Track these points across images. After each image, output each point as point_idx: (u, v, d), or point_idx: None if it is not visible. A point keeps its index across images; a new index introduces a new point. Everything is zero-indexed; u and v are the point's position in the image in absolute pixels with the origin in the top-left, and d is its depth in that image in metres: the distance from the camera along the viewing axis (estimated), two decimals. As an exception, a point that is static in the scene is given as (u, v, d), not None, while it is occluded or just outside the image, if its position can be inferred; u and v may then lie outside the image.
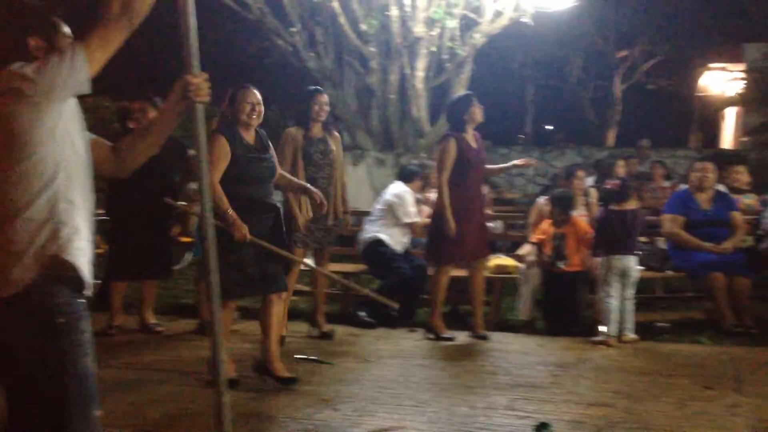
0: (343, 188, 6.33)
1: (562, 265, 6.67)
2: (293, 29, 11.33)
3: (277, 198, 5.19)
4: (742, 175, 8.11)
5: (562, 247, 6.69)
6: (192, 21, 2.67)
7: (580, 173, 7.54)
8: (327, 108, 6.13)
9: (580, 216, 7.01)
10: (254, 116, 4.87)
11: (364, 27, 10.75)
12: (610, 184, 6.78)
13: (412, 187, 7.29)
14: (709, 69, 19.68)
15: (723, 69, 18.67)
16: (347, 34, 10.87)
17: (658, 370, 5.47)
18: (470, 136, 6.35)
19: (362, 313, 6.79)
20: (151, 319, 6.54)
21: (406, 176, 7.42)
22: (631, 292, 6.34)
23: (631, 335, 6.29)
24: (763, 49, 14.59)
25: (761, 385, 5.08)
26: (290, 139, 6.01)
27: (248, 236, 4.67)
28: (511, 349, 6.13)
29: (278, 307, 4.98)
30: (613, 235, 6.34)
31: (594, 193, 7.71)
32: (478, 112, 6.31)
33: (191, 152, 5.87)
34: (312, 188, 5.35)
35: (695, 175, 7.19)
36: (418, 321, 6.81)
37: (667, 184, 9.91)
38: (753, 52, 15.74)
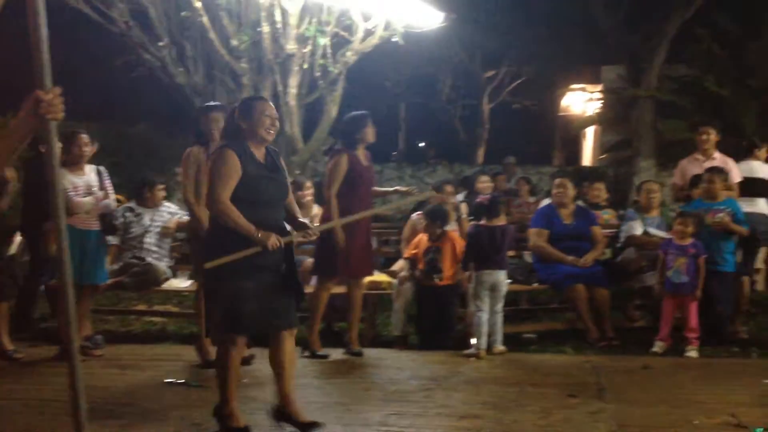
0: None
1: (437, 279, 6.78)
2: (161, 43, 11.05)
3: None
4: (600, 191, 8.51)
5: (437, 261, 6.80)
6: (43, 33, 2.54)
7: (449, 188, 7.70)
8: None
9: (452, 231, 7.15)
10: (272, 131, 4.38)
11: (235, 43, 10.62)
12: (480, 199, 6.96)
13: None
14: (571, 90, 20.63)
15: (583, 90, 19.62)
16: (218, 49, 10.71)
17: (525, 381, 5.64)
18: (361, 154, 6.36)
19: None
20: (9, 346, 6.17)
21: None
22: (500, 306, 6.52)
23: (500, 347, 6.46)
24: (619, 72, 15.42)
25: (621, 391, 5.32)
26: (192, 159, 5.83)
27: (280, 240, 4.22)
28: (385, 365, 6.16)
29: (291, 344, 4.42)
30: (483, 250, 6.51)
31: (464, 209, 7.90)
32: (371, 133, 6.32)
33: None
34: (308, 225, 4.65)
35: (555, 191, 7.51)
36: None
37: (532, 199, 10.28)
38: (609, 74, 16.62)
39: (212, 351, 5.94)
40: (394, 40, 10.72)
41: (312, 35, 10.43)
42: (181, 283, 7.15)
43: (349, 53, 10.88)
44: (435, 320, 6.79)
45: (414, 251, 6.94)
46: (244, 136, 4.33)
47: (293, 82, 10.78)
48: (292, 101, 10.84)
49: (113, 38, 11.60)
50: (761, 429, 4.39)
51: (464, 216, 7.62)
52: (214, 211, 4.26)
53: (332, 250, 6.16)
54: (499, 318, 6.50)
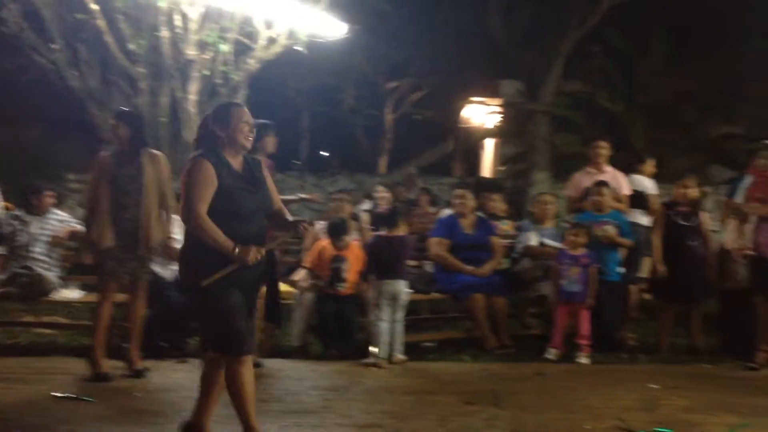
0: (167, 212, 5.98)
1: (340, 288, 6.79)
2: (54, 46, 10.67)
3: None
4: (497, 202, 8.69)
5: (342, 270, 6.81)
6: None
7: (345, 197, 7.72)
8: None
9: (354, 240, 7.18)
10: (251, 138, 4.16)
11: (132, 47, 10.36)
12: (380, 209, 7.00)
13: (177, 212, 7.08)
14: (471, 102, 21.02)
15: (482, 103, 20.02)
16: (114, 53, 10.42)
17: (424, 389, 5.70)
18: (263, 163, 6.27)
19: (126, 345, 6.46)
20: None
21: None
22: (401, 315, 6.57)
23: (400, 356, 6.51)
24: (517, 86, 15.81)
25: (516, 397, 5.45)
26: (98, 164, 5.67)
27: (261, 251, 4.02)
28: (284, 375, 6.11)
29: (251, 370, 4.18)
30: (383, 261, 6.55)
31: (365, 218, 7.93)
32: (271, 143, 6.23)
33: None
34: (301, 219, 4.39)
35: (456, 201, 7.63)
36: (188, 351, 6.59)
37: (432, 209, 10.39)
38: (508, 88, 17.02)
39: (105, 364, 5.80)
40: (297, 49, 10.69)
41: (213, 41, 10.28)
42: (72, 294, 6.90)
43: (251, 61, 10.78)
44: (336, 330, 6.78)
45: (316, 261, 6.92)
46: (220, 144, 4.09)
47: (193, 88, 10.59)
48: (192, 108, 10.65)
49: (5, 40, 11.13)
50: (647, 432, 4.57)
51: (365, 225, 7.65)
52: (189, 226, 4.00)
53: (191, 260, 6.10)
54: (400, 327, 6.55)
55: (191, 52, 10.24)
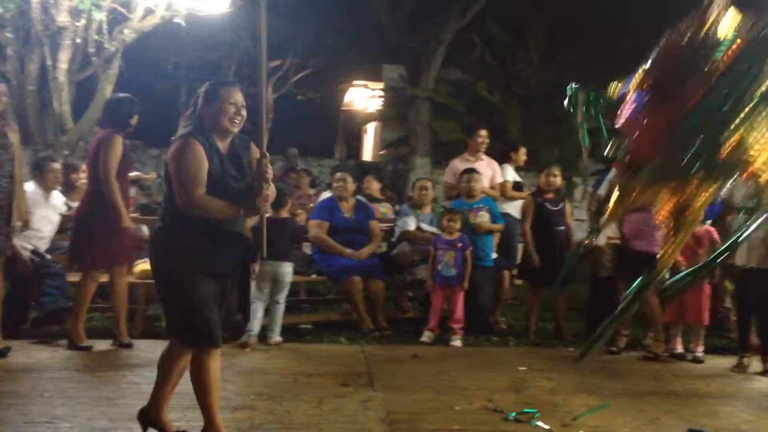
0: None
1: None
2: None
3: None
4: (371, 182, 8.75)
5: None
6: None
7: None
8: (5, 99, 5.65)
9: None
10: (237, 121, 3.88)
11: (-1, 10, 9.76)
12: None
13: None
14: (354, 85, 21.06)
15: (365, 86, 20.09)
16: (-22, 15, 9.80)
17: (300, 371, 5.69)
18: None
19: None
20: None
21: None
22: (282, 297, 6.55)
23: (277, 338, 6.48)
24: (399, 71, 15.96)
25: (391, 379, 5.52)
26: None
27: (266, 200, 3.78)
28: (156, 357, 5.92)
29: (219, 362, 3.97)
30: (268, 241, 6.49)
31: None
32: (136, 118, 6.15)
33: None
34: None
35: (335, 184, 7.64)
36: (53, 331, 6.34)
37: (312, 191, 10.38)
38: (391, 73, 17.15)
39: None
40: (176, 21, 10.36)
41: (87, 9, 9.81)
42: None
43: (126, 31, 10.36)
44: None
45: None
46: (206, 125, 3.83)
47: (64, 56, 10.08)
48: (62, 77, 10.15)
49: None
50: (514, 413, 4.74)
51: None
52: (189, 213, 3.71)
53: (90, 239, 5.92)
54: (280, 309, 6.53)
55: (63, 18, 9.74)
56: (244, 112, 3.93)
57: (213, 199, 3.71)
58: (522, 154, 8.56)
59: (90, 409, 4.53)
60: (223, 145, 3.86)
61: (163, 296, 3.95)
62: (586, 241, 4.82)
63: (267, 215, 6.54)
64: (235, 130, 3.90)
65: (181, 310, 3.82)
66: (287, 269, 6.59)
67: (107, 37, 10.29)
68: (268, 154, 3.86)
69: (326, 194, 8.43)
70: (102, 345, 6.14)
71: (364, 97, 20.19)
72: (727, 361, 6.38)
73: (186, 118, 4.01)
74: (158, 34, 11.49)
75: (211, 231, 3.77)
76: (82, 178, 7.09)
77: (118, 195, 5.90)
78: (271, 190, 3.86)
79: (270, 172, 3.81)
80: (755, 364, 6.19)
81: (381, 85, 17.65)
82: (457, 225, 7.01)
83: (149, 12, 10.25)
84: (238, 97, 3.92)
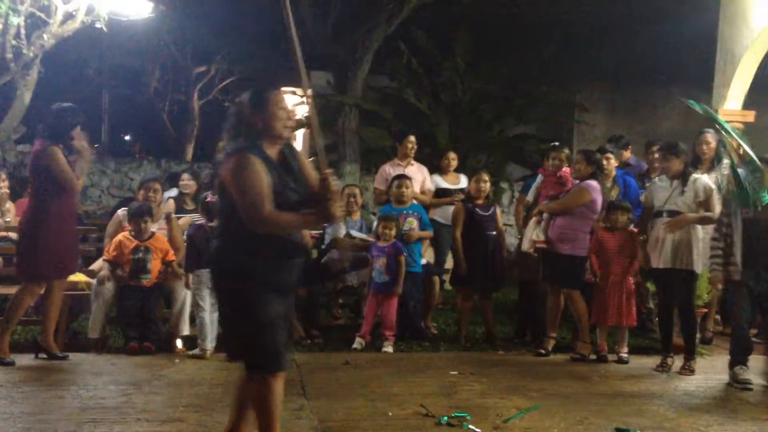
0: None
1: (144, 280, 6.56)
2: None
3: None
4: None
5: (146, 261, 6.57)
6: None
7: (156, 185, 7.43)
8: None
9: (160, 229, 6.95)
10: (290, 125, 3.71)
11: None
12: (210, 197, 6.82)
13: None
14: (282, 92, 20.97)
15: (293, 93, 20.02)
16: None
17: (230, 381, 5.60)
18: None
19: None
20: None
21: None
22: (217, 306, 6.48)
23: (210, 347, 6.43)
24: (328, 78, 15.94)
25: (323, 387, 5.50)
26: None
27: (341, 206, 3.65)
28: (81, 370, 5.82)
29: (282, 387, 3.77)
30: (206, 249, 6.42)
31: (172, 206, 7.72)
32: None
33: None
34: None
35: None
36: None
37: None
38: (319, 79, 17.12)
39: None
40: (97, 26, 10.13)
41: (3, 13, 9.51)
42: None
43: (46, 36, 10.08)
44: (138, 322, 6.53)
45: (115, 252, 6.63)
46: (257, 134, 3.61)
47: (-20, 62, 9.76)
48: (-22, 83, 9.82)
49: None
50: (446, 417, 4.77)
51: (173, 214, 7.41)
52: (262, 231, 3.51)
53: (35, 251, 5.81)
54: (215, 316, 6.46)
55: (-21, 22, 9.43)
56: (294, 117, 3.78)
57: (283, 213, 3.54)
58: (452, 160, 8.58)
59: (12, 425, 4.37)
60: (273, 153, 3.66)
61: (229, 318, 3.75)
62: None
63: (200, 222, 6.50)
64: (288, 135, 3.73)
65: (250, 331, 3.59)
66: None
67: (26, 43, 10.00)
68: (330, 169, 3.71)
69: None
70: (24, 360, 5.94)
71: (292, 104, 20.06)
72: (651, 361, 6.56)
73: (228, 131, 3.72)
74: (79, 39, 11.22)
75: (275, 245, 3.60)
76: (2, 187, 6.88)
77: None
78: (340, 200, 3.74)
79: (336, 184, 3.67)
80: (677, 363, 6.38)
81: (309, 91, 17.57)
82: (392, 232, 7.03)
83: (69, 17, 10.01)
84: (286, 102, 3.76)
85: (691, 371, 6.28)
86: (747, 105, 9.88)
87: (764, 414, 5.21)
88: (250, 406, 3.74)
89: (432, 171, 8.45)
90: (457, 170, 8.64)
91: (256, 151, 3.56)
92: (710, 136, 7.50)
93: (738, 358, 6.05)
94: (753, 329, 6.62)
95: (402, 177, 7.61)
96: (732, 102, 9.82)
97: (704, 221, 6.38)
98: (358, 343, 6.85)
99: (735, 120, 9.79)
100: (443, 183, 8.42)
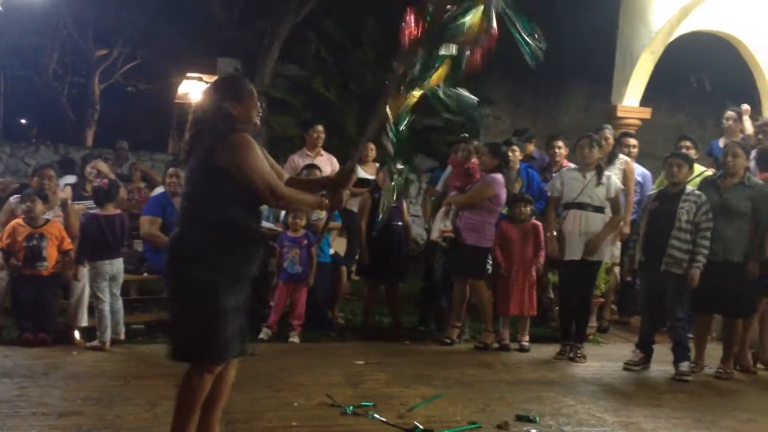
0: None
1: (41, 269, 6.34)
2: None
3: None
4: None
5: (41, 249, 6.34)
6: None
7: (50, 172, 7.14)
8: None
9: (56, 217, 6.72)
10: (259, 117, 3.70)
11: None
12: (98, 183, 6.61)
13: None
14: (188, 78, 20.52)
15: (200, 79, 19.63)
16: None
17: (131, 373, 5.50)
18: None
19: None
20: None
21: None
22: (118, 294, 6.39)
23: (122, 336, 6.39)
24: (235, 65, 15.70)
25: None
26: None
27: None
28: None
29: (234, 370, 3.78)
30: (102, 240, 6.26)
31: (68, 192, 7.49)
32: None
33: None
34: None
35: (168, 180, 7.40)
36: None
37: (143, 185, 10.01)
38: (226, 66, 16.86)
39: None
40: (-7, 3, 9.69)
41: None
42: None
43: (-64, 12, 9.58)
44: (33, 313, 6.30)
45: (8, 240, 6.37)
46: (235, 123, 3.55)
47: None
48: None
49: None
50: (352, 407, 4.79)
51: (70, 201, 7.17)
52: (279, 207, 3.40)
53: None
54: (121, 304, 6.42)
55: None
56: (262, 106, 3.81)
57: (298, 191, 3.65)
58: (370, 150, 8.56)
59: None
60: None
61: (180, 308, 3.62)
62: None
63: (94, 211, 6.31)
64: (259, 125, 3.74)
65: (201, 321, 3.50)
66: (122, 266, 6.43)
67: None
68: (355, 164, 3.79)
69: (159, 190, 8.15)
70: None
71: (199, 90, 19.72)
72: (551, 349, 6.75)
73: (196, 122, 3.64)
74: (-28, 17, 10.69)
75: (240, 236, 3.56)
76: None
77: None
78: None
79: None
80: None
81: (216, 77, 17.31)
82: (302, 222, 6.99)
83: (-39, -8, 9.53)
84: (255, 91, 3.78)
85: (583, 357, 6.49)
86: (644, 102, 10.27)
87: (656, 399, 5.44)
88: (214, 397, 3.71)
89: (343, 161, 8.41)
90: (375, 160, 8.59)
91: (246, 130, 3.57)
92: (608, 132, 7.77)
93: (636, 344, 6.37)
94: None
95: (311, 167, 7.55)
96: (630, 99, 10.19)
97: (616, 227, 6.68)
98: (264, 333, 6.79)
99: (632, 116, 10.19)
100: (362, 173, 8.36)
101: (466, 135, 8.08)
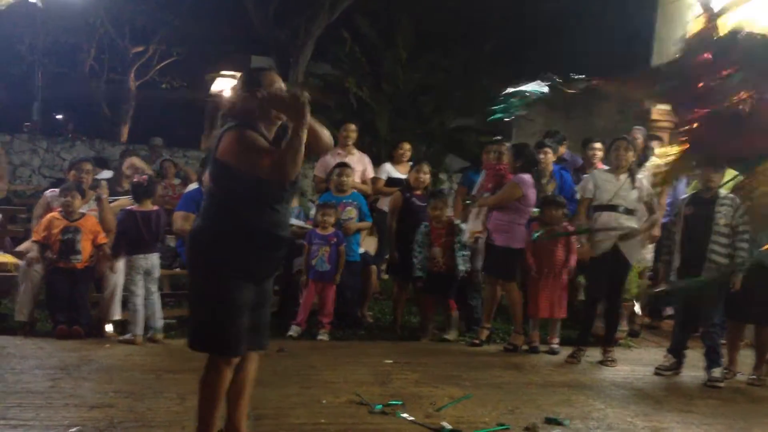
0: None
1: (74, 262, 6.42)
2: None
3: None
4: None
5: (75, 242, 6.43)
6: None
7: (87, 165, 7.24)
8: None
9: (91, 211, 6.82)
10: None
11: None
12: (137, 179, 6.68)
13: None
14: (221, 75, 20.66)
15: (233, 77, 19.75)
16: None
17: (161, 367, 5.54)
18: None
19: None
20: None
21: None
22: (155, 289, 6.45)
23: (159, 334, 6.41)
24: (268, 63, 15.81)
25: (258, 375, 5.43)
26: None
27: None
28: (7, 354, 5.66)
29: (256, 364, 3.84)
30: (138, 235, 6.33)
31: (104, 186, 7.59)
32: None
33: None
34: None
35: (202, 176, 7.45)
36: None
37: (177, 182, 10.12)
38: (259, 63, 16.99)
39: None
40: (32, 0, 9.83)
41: (-68, -18, 9.15)
42: None
43: (-22, 9, 9.74)
44: (67, 306, 6.39)
45: (44, 233, 6.46)
46: (253, 115, 3.55)
47: None
48: None
49: None
50: (380, 405, 4.79)
51: (105, 196, 7.26)
52: (279, 177, 3.44)
53: None
54: (158, 300, 6.43)
55: None
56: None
57: (280, 150, 3.45)
58: (406, 150, 8.55)
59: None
60: (271, 135, 3.63)
61: (195, 298, 3.72)
62: None
63: (130, 207, 6.38)
64: (283, 117, 3.60)
65: (211, 312, 3.57)
66: (157, 261, 6.49)
67: (-47, 14, 9.65)
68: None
69: (194, 186, 8.22)
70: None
71: (232, 88, 19.85)
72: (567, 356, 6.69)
73: (223, 116, 3.68)
74: (13, 15, 10.86)
75: (257, 232, 3.56)
76: None
77: None
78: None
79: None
80: (597, 356, 6.53)
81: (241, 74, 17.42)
82: (332, 219, 7.01)
83: (2, -10, 9.68)
84: (281, 82, 3.67)
85: (613, 361, 6.42)
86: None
87: (687, 405, 5.38)
88: (238, 392, 3.75)
89: (375, 160, 8.43)
90: (410, 160, 8.58)
91: (249, 127, 3.52)
92: (639, 133, 7.69)
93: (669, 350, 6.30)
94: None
95: (342, 165, 7.57)
96: (665, 101, 10.05)
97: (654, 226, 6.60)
98: (293, 330, 6.82)
99: (666, 119, 10.06)
100: (395, 173, 8.36)
101: (499, 137, 8.05)
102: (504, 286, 6.89)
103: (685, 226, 6.21)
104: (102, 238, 6.60)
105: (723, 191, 6.18)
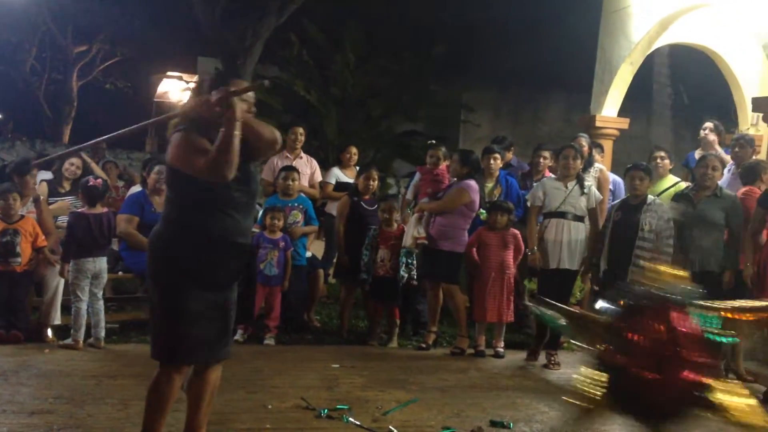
0: None
1: (14, 265, 6.28)
2: None
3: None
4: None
5: (14, 244, 6.28)
6: None
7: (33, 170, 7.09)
8: None
9: (29, 213, 6.66)
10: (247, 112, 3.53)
11: None
12: (92, 182, 6.54)
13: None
14: (167, 77, 20.43)
15: (180, 78, 19.56)
16: None
17: (104, 372, 5.45)
18: None
19: None
20: None
21: None
22: (100, 294, 6.35)
23: (101, 338, 6.27)
24: (216, 65, 15.65)
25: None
26: None
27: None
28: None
29: (219, 373, 3.76)
30: (88, 238, 6.20)
31: (44, 188, 7.44)
32: None
33: None
34: None
35: (152, 177, 7.32)
36: None
37: (120, 184, 9.94)
38: (207, 65, 16.83)
39: None
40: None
41: None
42: None
43: None
44: (5, 310, 6.23)
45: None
46: (201, 120, 3.48)
47: None
48: None
49: None
50: (327, 410, 4.78)
51: (44, 197, 7.10)
52: (217, 177, 3.35)
53: None
54: (102, 305, 6.33)
55: None
56: (254, 108, 3.62)
57: (212, 149, 3.36)
58: (353, 154, 8.53)
59: None
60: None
61: (154, 305, 3.67)
62: None
63: (81, 210, 6.26)
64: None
65: (164, 319, 3.54)
66: (105, 264, 6.39)
67: None
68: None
69: (136, 188, 8.09)
70: None
71: (178, 90, 19.64)
72: (525, 356, 6.77)
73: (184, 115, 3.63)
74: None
75: (213, 240, 3.49)
76: None
77: None
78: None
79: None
80: (542, 357, 6.62)
81: (196, 77, 17.24)
82: (280, 223, 6.97)
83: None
84: (231, 87, 3.49)
85: (557, 364, 6.51)
86: (622, 112, 10.37)
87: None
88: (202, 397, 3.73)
89: (323, 164, 8.41)
90: (357, 164, 8.56)
91: (199, 131, 3.46)
92: (584, 140, 7.83)
93: None
94: None
95: (289, 169, 7.53)
96: (609, 109, 10.29)
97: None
98: (239, 335, 6.75)
99: (611, 126, 10.29)
100: (343, 177, 8.33)
101: (434, 141, 8.09)
102: (446, 290, 6.92)
103: (613, 231, 6.38)
104: (42, 241, 6.46)
105: (650, 197, 6.39)
